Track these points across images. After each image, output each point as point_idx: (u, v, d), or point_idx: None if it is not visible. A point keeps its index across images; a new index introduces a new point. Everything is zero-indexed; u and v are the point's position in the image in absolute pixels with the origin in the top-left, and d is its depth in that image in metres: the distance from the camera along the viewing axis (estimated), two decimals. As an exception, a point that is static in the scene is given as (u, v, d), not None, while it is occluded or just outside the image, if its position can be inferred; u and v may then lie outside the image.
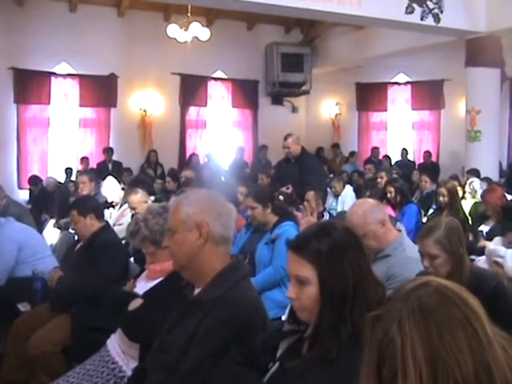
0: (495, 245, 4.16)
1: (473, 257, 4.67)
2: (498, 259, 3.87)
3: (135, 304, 2.85)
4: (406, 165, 12.54)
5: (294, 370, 1.71)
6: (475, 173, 8.86)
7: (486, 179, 8.23)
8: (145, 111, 12.51)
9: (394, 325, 1.08)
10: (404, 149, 13.32)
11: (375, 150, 13.53)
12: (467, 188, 7.28)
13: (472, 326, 1.07)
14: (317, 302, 1.69)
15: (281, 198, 6.12)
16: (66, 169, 11.30)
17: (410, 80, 14.09)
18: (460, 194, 6.84)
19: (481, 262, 4.28)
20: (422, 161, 13.35)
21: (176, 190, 7.51)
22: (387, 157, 13.17)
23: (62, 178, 10.88)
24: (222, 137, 13.71)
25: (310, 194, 5.97)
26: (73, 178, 10.75)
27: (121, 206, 6.31)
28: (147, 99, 12.48)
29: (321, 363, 1.63)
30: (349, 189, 8.23)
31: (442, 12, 9.11)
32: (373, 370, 1.11)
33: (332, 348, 1.62)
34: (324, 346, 1.64)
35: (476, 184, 7.26)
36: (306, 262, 1.70)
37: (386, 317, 1.11)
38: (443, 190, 6.03)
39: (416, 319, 1.07)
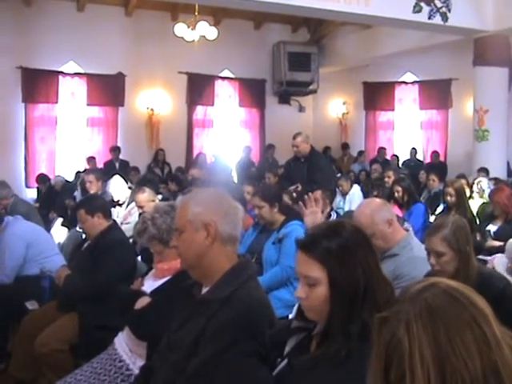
0: None
1: (481, 256, 4.67)
2: None
3: (142, 302, 2.86)
4: (415, 165, 12.50)
5: (303, 366, 1.71)
6: (485, 171, 8.85)
7: (495, 179, 8.21)
8: (152, 110, 12.54)
9: (401, 327, 1.08)
10: (413, 148, 13.27)
11: (381, 150, 13.50)
12: (475, 187, 7.25)
13: (480, 328, 1.07)
14: (326, 302, 1.69)
15: (294, 195, 6.10)
16: (77, 173, 11.16)
17: (417, 79, 14.04)
18: (468, 193, 6.82)
19: (496, 259, 4.25)
20: (429, 160, 13.31)
21: (180, 191, 7.48)
22: (395, 156, 13.15)
23: (70, 177, 10.89)
24: (228, 136, 13.72)
25: (318, 193, 5.95)
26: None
27: (128, 205, 6.33)
28: (154, 98, 12.50)
29: (330, 361, 1.63)
30: (356, 188, 8.22)
31: (449, 11, 9.08)
32: (380, 372, 1.11)
33: (342, 347, 1.62)
34: (334, 345, 1.64)
35: (484, 183, 7.23)
36: (315, 262, 1.70)
37: (394, 319, 1.11)
38: (450, 190, 6.01)
39: (424, 321, 1.07)
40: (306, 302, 1.73)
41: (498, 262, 4.11)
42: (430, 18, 9.00)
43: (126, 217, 6.08)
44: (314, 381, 1.67)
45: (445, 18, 9.09)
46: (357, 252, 1.72)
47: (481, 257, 4.65)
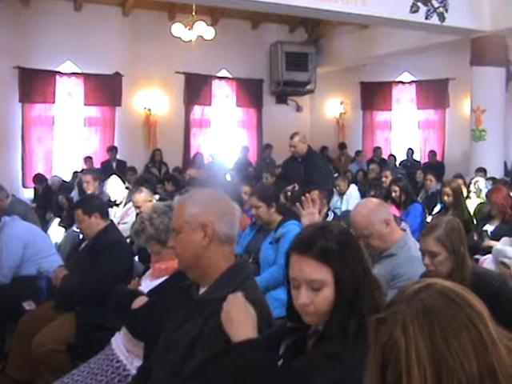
0: (503, 245, 4.14)
1: (478, 256, 4.67)
2: (506, 260, 3.85)
3: (139, 302, 2.85)
4: (412, 165, 12.51)
5: (299, 366, 1.70)
6: (484, 171, 8.87)
7: (492, 178, 8.22)
8: (149, 110, 12.53)
9: (397, 327, 1.08)
10: (410, 148, 13.28)
11: (377, 149, 13.51)
12: (472, 187, 7.26)
13: (476, 328, 1.07)
14: (331, 304, 1.66)
15: (289, 194, 6.09)
16: (74, 172, 11.18)
17: (414, 79, 14.06)
18: (465, 193, 6.82)
19: (487, 261, 4.26)
20: (426, 160, 13.33)
21: (177, 191, 7.47)
22: (392, 156, 13.16)
23: (67, 177, 10.87)
24: (226, 136, 13.72)
25: (315, 194, 5.94)
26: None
27: (125, 205, 6.33)
28: (152, 98, 12.50)
29: (328, 361, 1.62)
30: (353, 188, 8.21)
31: (446, 11, 9.09)
32: (377, 373, 1.11)
33: (341, 346, 1.61)
34: (331, 345, 1.63)
35: (481, 183, 7.24)
36: (318, 263, 1.65)
37: (390, 320, 1.11)
38: (448, 190, 6.01)
39: (420, 322, 1.07)
40: (311, 307, 1.66)
41: (487, 266, 4.12)
42: (427, 18, 9.02)
43: (123, 217, 6.08)
44: (311, 381, 1.66)
45: (442, 18, 9.10)
46: (352, 250, 1.71)
47: (478, 257, 4.66)
